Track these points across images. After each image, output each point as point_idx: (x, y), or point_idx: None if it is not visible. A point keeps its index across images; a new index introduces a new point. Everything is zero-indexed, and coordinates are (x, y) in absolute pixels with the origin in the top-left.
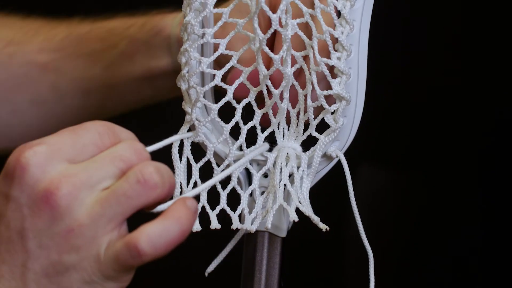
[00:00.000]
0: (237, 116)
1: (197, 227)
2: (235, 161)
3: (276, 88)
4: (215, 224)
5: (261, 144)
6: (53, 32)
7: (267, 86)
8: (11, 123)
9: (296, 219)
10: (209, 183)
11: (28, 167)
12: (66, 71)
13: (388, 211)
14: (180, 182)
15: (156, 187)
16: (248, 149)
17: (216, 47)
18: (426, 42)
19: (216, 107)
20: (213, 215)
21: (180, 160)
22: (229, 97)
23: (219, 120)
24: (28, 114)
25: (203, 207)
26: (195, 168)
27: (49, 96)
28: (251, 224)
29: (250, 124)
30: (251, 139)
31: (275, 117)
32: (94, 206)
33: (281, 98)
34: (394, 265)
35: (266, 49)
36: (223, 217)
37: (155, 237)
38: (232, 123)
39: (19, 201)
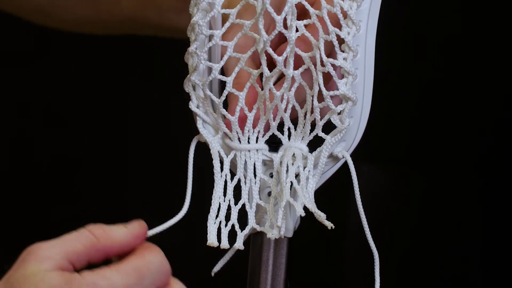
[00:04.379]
0: (249, 124)
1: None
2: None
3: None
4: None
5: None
6: None
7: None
8: None
9: (303, 214)
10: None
11: None
12: None
13: (388, 211)
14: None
15: None
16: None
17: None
18: (427, 42)
19: (234, 119)
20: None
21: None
22: (242, 103)
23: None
24: None
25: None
26: (230, 186)
27: None
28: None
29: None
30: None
31: (274, 120)
32: None
33: (282, 100)
34: (394, 265)
35: (270, 50)
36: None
37: None
38: (247, 133)
39: None
